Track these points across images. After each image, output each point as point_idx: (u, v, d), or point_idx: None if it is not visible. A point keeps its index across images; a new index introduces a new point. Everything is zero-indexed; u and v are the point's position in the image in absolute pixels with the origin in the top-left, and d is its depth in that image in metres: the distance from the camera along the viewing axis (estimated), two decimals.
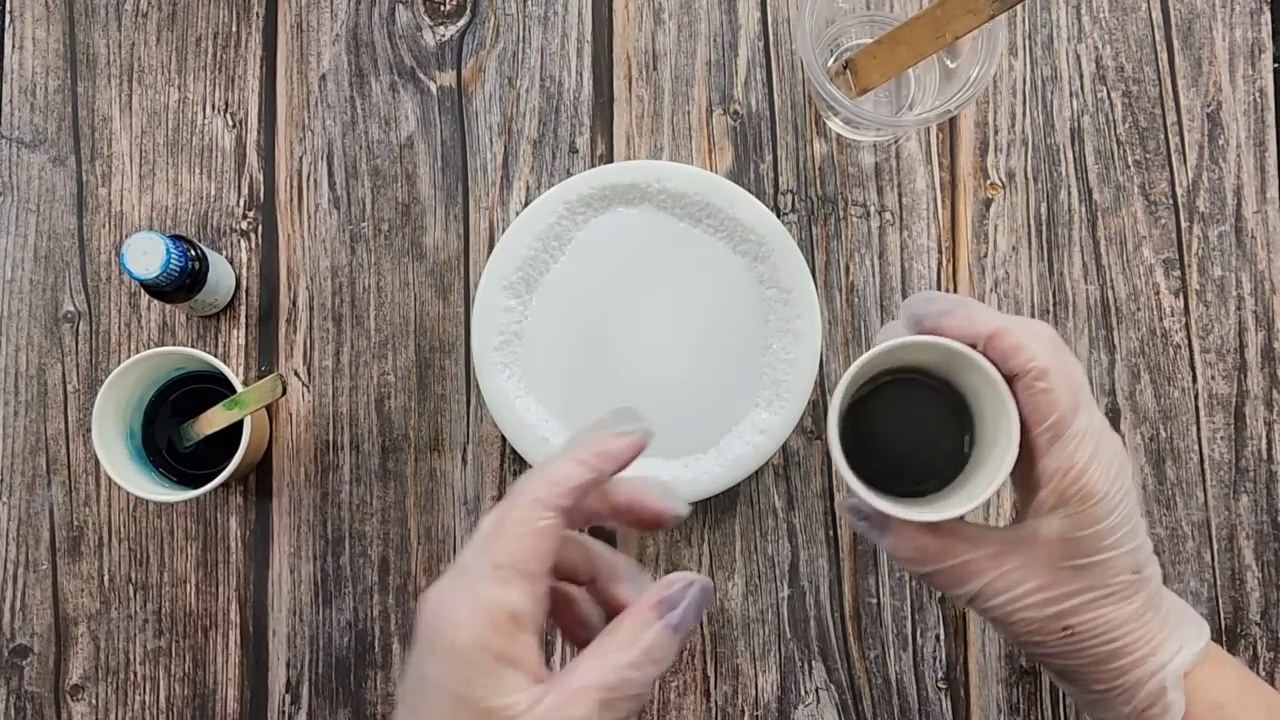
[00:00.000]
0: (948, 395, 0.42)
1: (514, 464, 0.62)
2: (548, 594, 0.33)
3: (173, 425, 0.59)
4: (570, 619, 0.38)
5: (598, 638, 0.34)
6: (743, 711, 0.61)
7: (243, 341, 0.63)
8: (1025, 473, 0.38)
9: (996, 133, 0.63)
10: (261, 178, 0.64)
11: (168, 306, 0.63)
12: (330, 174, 0.64)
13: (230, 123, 0.64)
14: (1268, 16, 0.63)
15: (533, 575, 0.32)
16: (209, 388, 0.60)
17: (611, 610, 0.36)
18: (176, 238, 0.58)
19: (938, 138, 0.63)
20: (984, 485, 0.37)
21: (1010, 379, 0.37)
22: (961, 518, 0.38)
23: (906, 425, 0.42)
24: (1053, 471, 0.37)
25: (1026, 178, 0.63)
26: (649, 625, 0.33)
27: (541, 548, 0.33)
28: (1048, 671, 0.41)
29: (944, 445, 0.42)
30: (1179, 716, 0.39)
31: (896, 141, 0.63)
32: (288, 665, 0.62)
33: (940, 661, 0.61)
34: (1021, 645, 0.40)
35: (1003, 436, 0.37)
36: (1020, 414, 0.37)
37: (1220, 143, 0.63)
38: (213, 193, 0.64)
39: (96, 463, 0.62)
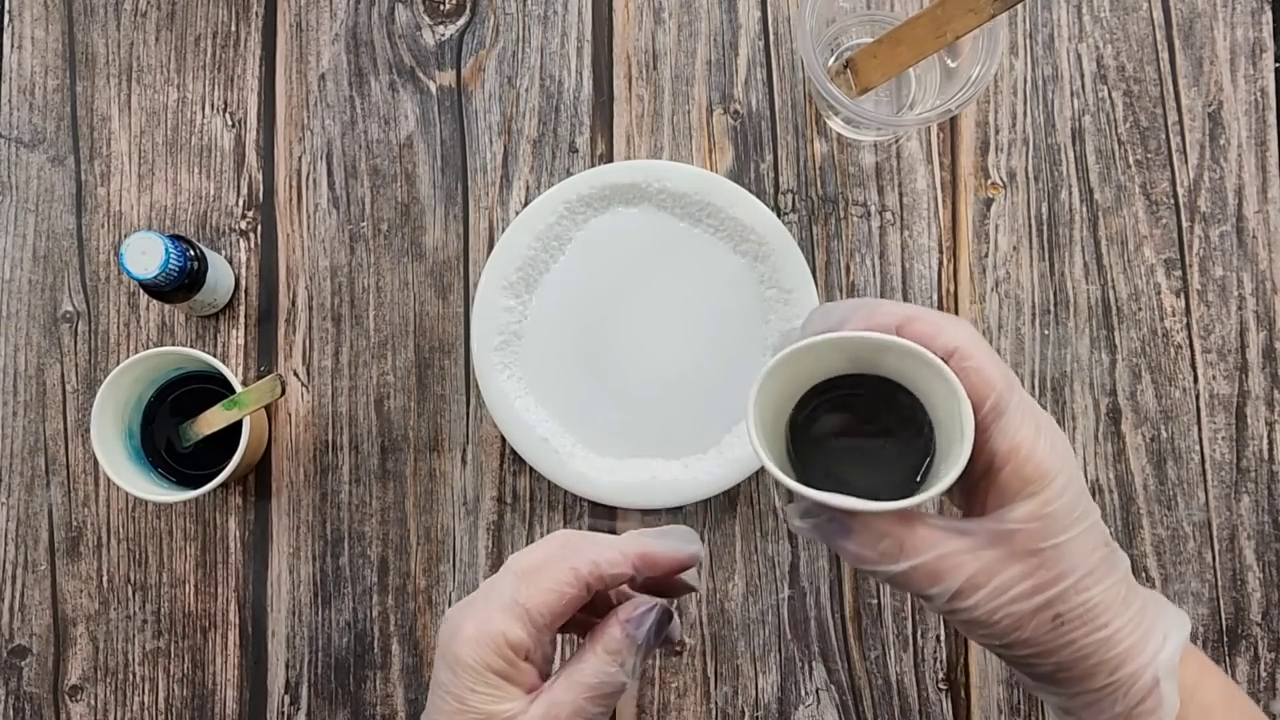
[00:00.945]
0: (898, 404, 0.39)
1: (514, 464, 0.62)
2: (552, 640, 0.40)
3: (172, 425, 0.59)
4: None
5: (580, 650, 0.39)
6: (743, 712, 0.61)
7: (242, 341, 0.63)
8: (975, 464, 0.36)
9: (997, 132, 0.63)
10: (261, 177, 0.64)
11: (167, 306, 0.63)
12: (330, 174, 0.64)
13: (229, 122, 0.64)
14: (1269, 16, 0.63)
15: (540, 626, 0.38)
16: (208, 388, 0.59)
17: None
18: (175, 237, 0.58)
19: (938, 137, 0.63)
20: (952, 465, 0.34)
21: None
22: (933, 509, 0.37)
23: (858, 441, 0.40)
24: (1006, 452, 0.35)
25: (1027, 177, 0.63)
26: (614, 634, 0.39)
27: (558, 608, 0.38)
28: (1028, 679, 0.39)
29: (900, 458, 0.39)
30: (1173, 712, 0.36)
31: (897, 141, 0.63)
32: (287, 666, 0.62)
33: (941, 662, 0.61)
34: (1002, 648, 0.37)
35: (956, 412, 0.34)
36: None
37: (1221, 142, 0.62)
38: (212, 192, 0.64)
39: (95, 463, 0.62)
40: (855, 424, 0.39)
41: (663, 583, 0.42)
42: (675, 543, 0.40)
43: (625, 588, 0.43)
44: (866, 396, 0.38)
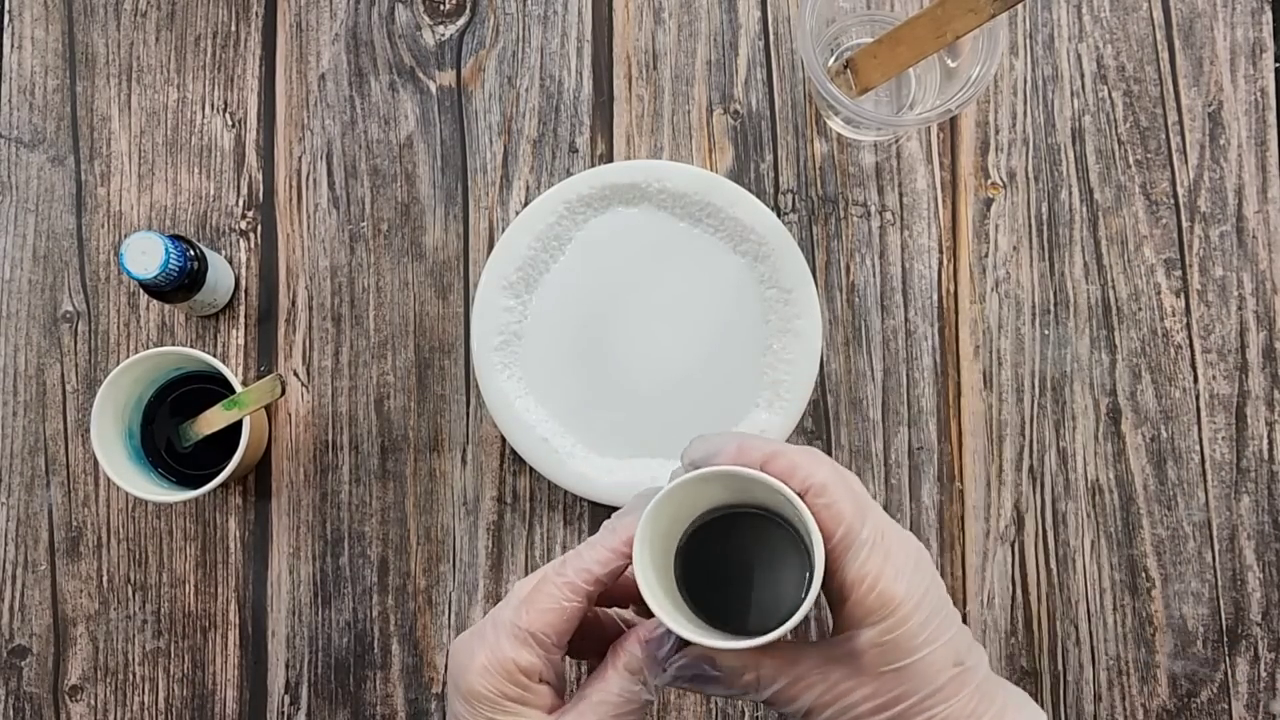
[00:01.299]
0: (778, 533, 0.41)
1: (513, 464, 0.62)
2: (561, 658, 0.40)
3: (172, 425, 0.59)
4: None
5: (599, 667, 0.40)
6: (743, 712, 0.61)
7: (242, 341, 0.63)
8: (831, 587, 0.39)
9: (997, 132, 0.63)
10: (261, 177, 0.64)
11: (167, 306, 0.63)
12: (330, 174, 0.64)
13: (229, 122, 0.64)
14: (1269, 16, 0.63)
15: (548, 646, 0.39)
16: (208, 388, 0.59)
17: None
18: (175, 237, 0.58)
19: (938, 137, 0.63)
20: (803, 600, 0.37)
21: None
22: (790, 637, 0.38)
23: (743, 569, 0.42)
24: (851, 583, 0.37)
25: (1027, 177, 0.63)
26: (635, 652, 0.39)
27: (561, 625, 0.39)
28: None
29: (783, 583, 0.41)
30: None
31: (897, 141, 0.63)
32: (287, 666, 0.62)
33: None
34: None
35: (811, 547, 0.37)
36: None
37: (1221, 142, 0.62)
38: (212, 192, 0.64)
39: (95, 463, 0.62)
40: (739, 552, 0.41)
41: None
42: (636, 508, 0.40)
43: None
44: (747, 527, 0.41)
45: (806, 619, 0.41)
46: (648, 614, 0.41)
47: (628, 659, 0.40)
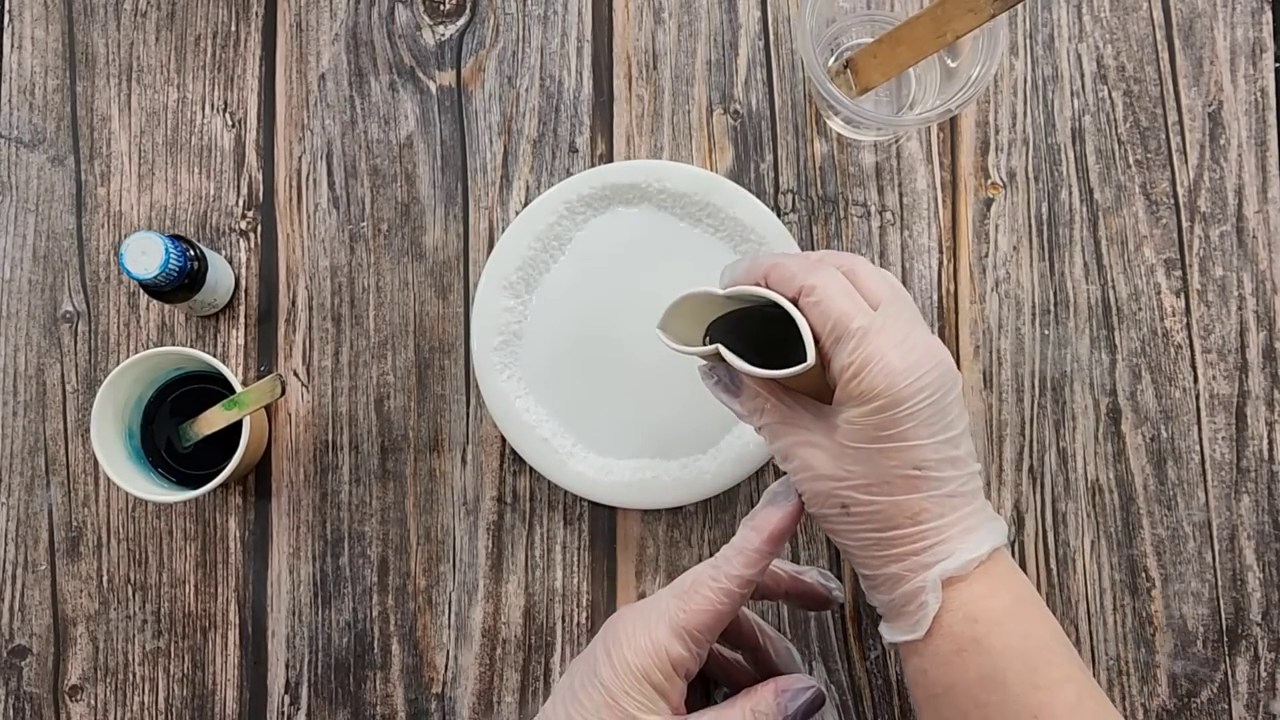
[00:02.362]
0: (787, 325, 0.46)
1: (514, 464, 0.62)
2: (707, 654, 0.44)
3: (172, 425, 0.59)
4: (724, 671, 0.50)
5: (731, 700, 0.44)
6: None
7: (242, 341, 0.63)
8: (830, 373, 0.43)
9: (997, 132, 0.63)
10: (261, 177, 0.64)
11: (167, 306, 0.63)
12: (330, 174, 0.64)
13: (229, 122, 0.64)
14: (1269, 16, 0.63)
15: (700, 642, 0.43)
16: (208, 388, 0.59)
17: (762, 676, 0.49)
18: (175, 237, 0.58)
19: (938, 137, 0.63)
20: (802, 360, 0.42)
21: (796, 300, 0.44)
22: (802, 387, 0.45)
23: (767, 335, 0.47)
24: (838, 371, 0.42)
25: (1027, 177, 0.63)
26: (769, 702, 0.43)
27: (714, 625, 0.43)
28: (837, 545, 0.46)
29: (789, 358, 0.46)
30: (929, 619, 0.41)
31: (897, 141, 0.63)
32: (287, 666, 0.62)
33: None
34: (819, 519, 0.45)
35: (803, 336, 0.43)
36: (811, 326, 0.43)
37: (1221, 142, 0.62)
38: (212, 192, 0.64)
39: (95, 463, 0.62)
40: (759, 333, 0.47)
41: (813, 594, 0.49)
42: (780, 502, 0.45)
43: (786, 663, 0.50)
44: (764, 319, 0.46)
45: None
46: (808, 605, 0.50)
47: (758, 701, 0.43)
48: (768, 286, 0.45)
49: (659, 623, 0.43)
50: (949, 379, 0.42)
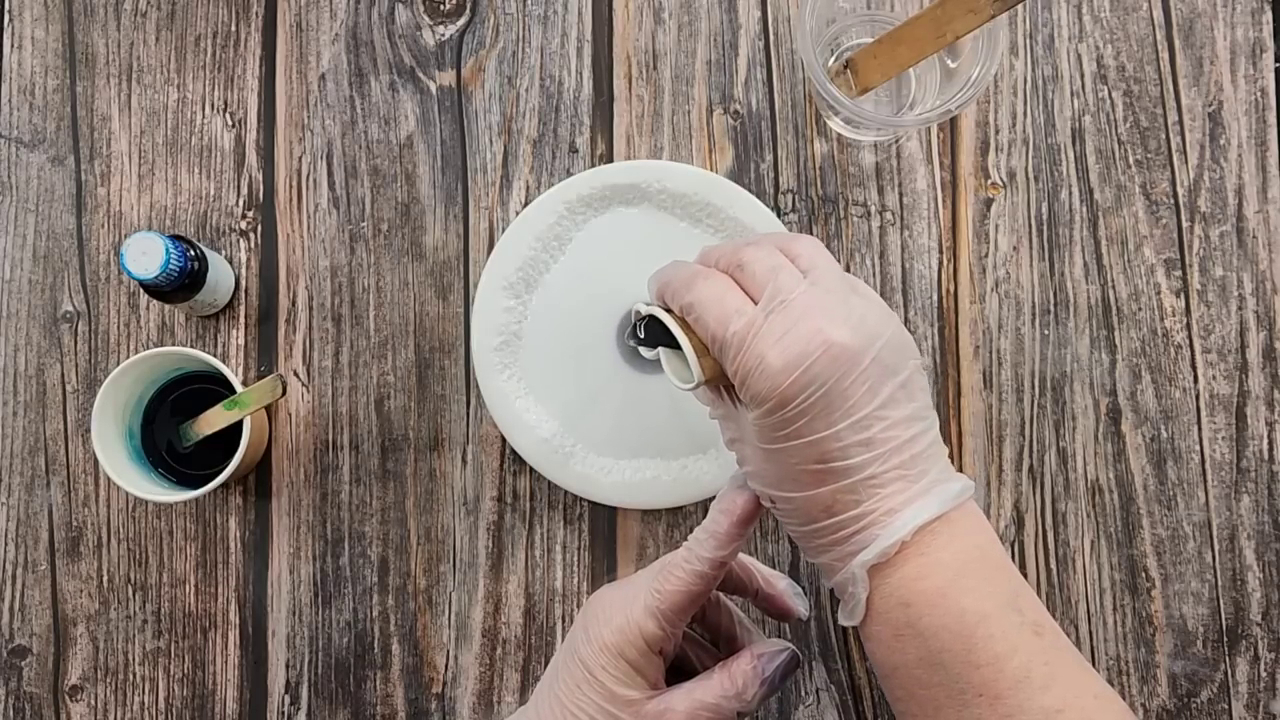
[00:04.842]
0: None
1: (514, 464, 0.62)
2: (681, 635, 0.45)
3: (172, 425, 0.59)
4: (697, 654, 0.50)
5: (709, 670, 0.45)
6: None
7: (242, 341, 0.63)
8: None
9: (997, 132, 0.63)
10: (261, 177, 0.64)
11: (167, 306, 0.63)
12: (330, 174, 0.64)
13: (229, 122, 0.64)
14: (1269, 16, 0.63)
15: (674, 621, 0.44)
16: (208, 388, 0.59)
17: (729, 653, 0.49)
18: (176, 238, 0.58)
19: (938, 137, 0.63)
20: (695, 374, 0.44)
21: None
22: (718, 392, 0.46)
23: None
24: (734, 378, 0.43)
25: (1027, 177, 0.63)
26: (745, 670, 0.44)
27: (687, 604, 0.44)
28: None
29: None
30: (862, 606, 0.42)
31: (897, 141, 0.63)
32: (287, 666, 0.62)
33: None
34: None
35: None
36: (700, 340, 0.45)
37: (1221, 142, 0.62)
38: (212, 192, 0.64)
39: (95, 463, 0.62)
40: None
41: (779, 604, 0.50)
42: (740, 486, 0.46)
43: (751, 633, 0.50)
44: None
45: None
46: (771, 613, 0.50)
47: (735, 669, 0.44)
48: (661, 303, 0.47)
49: (634, 602, 0.44)
50: (844, 360, 0.41)
